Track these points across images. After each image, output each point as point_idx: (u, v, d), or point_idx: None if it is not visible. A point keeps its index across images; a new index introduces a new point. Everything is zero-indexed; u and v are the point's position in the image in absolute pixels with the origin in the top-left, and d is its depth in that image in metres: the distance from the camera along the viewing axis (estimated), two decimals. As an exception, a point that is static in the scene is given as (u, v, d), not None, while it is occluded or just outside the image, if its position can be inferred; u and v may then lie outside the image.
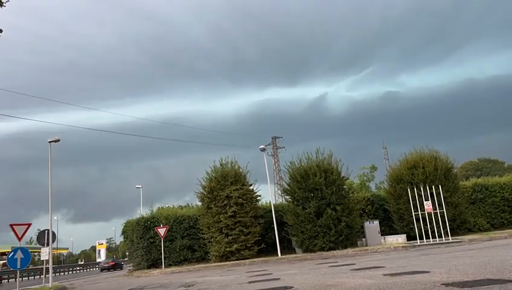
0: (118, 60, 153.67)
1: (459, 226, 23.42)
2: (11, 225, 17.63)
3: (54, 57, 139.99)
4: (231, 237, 22.26)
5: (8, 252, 21.82)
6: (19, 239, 17.49)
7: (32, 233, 58.20)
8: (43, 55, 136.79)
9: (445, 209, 21.18)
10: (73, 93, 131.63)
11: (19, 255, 16.35)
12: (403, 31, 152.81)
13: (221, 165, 24.30)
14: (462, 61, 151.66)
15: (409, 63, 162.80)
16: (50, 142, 20.14)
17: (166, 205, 37.30)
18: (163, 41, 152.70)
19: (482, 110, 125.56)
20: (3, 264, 47.50)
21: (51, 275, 19.64)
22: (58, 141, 20.30)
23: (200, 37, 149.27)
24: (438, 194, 21.22)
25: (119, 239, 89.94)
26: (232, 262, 21.45)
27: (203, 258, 24.41)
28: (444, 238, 20.32)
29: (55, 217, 68.53)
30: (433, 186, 21.49)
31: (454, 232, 22.05)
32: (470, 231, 24.55)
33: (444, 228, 20.59)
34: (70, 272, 54.18)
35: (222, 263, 21.49)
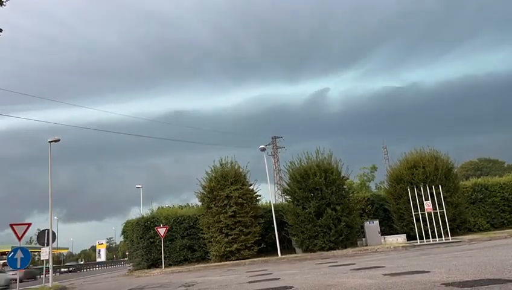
0: (116, 59, 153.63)
1: (459, 226, 23.41)
2: (11, 225, 17.63)
3: (52, 56, 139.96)
4: (231, 237, 22.26)
5: (8, 252, 21.82)
6: (19, 239, 17.49)
7: (32, 233, 58.09)
8: (42, 54, 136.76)
9: (445, 209, 21.18)
10: (70, 92, 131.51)
11: (19, 255, 16.34)
12: (402, 28, 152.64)
13: (221, 165, 24.30)
14: (461, 57, 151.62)
15: (409, 60, 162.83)
16: (50, 142, 20.15)
17: (166, 205, 37.38)
18: (162, 40, 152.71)
19: (482, 106, 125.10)
20: (3, 264, 47.50)
21: (51, 275, 19.67)
22: (58, 140, 20.31)
23: (200, 35, 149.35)
24: (438, 194, 21.21)
25: (119, 239, 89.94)
26: (232, 262, 21.45)
27: (203, 258, 24.41)
28: (444, 238, 20.32)
29: (55, 217, 68.52)
30: (433, 186, 21.48)
31: (454, 232, 22.04)
32: (470, 230, 24.54)
33: (444, 227, 20.59)
34: (71, 272, 54.16)
35: (222, 263, 21.49)
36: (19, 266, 16.51)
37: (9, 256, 16.60)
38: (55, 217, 67.60)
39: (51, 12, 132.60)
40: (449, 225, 20.92)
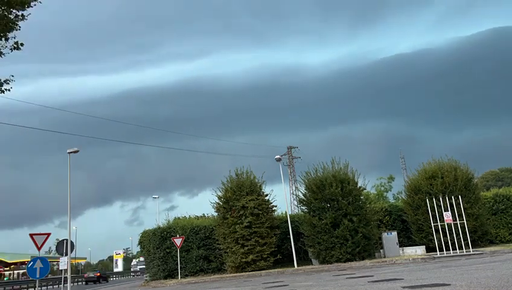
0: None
1: (480, 238, 22.88)
2: (31, 235, 17.97)
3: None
4: (247, 248, 22.17)
5: (27, 261, 22.17)
6: (39, 249, 17.78)
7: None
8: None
9: (466, 221, 20.71)
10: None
11: (38, 264, 16.60)
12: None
13: (236, 175, 24.32)
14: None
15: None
16: (69, 153, 20.56)
17: (183, 215, 37.50)
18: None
19: None
20: (23, 274, 48.31)
21: (69, 284, 19.88)
22: (77, 151, 20.70)
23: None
24: (458, 204, 20.78)
25: (136, 249, 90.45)
26: (248, 273, 21.34)
27: (219, 269, 24.36)
28: (464, 250, 19.84)
29: (74, 227, 69.37)
30: (452, 197, 21.07)
31: (475, 244, 21.52)
32: (491, 242, 23.95)
33: (465, 239, 20.12)
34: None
35: (238, 274, 21.40)
36: (38, 276, 16.75)
37: (29, 266, 16.87)
38: (74, 227, 68.50)
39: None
40: (470, 237, 20.43)
